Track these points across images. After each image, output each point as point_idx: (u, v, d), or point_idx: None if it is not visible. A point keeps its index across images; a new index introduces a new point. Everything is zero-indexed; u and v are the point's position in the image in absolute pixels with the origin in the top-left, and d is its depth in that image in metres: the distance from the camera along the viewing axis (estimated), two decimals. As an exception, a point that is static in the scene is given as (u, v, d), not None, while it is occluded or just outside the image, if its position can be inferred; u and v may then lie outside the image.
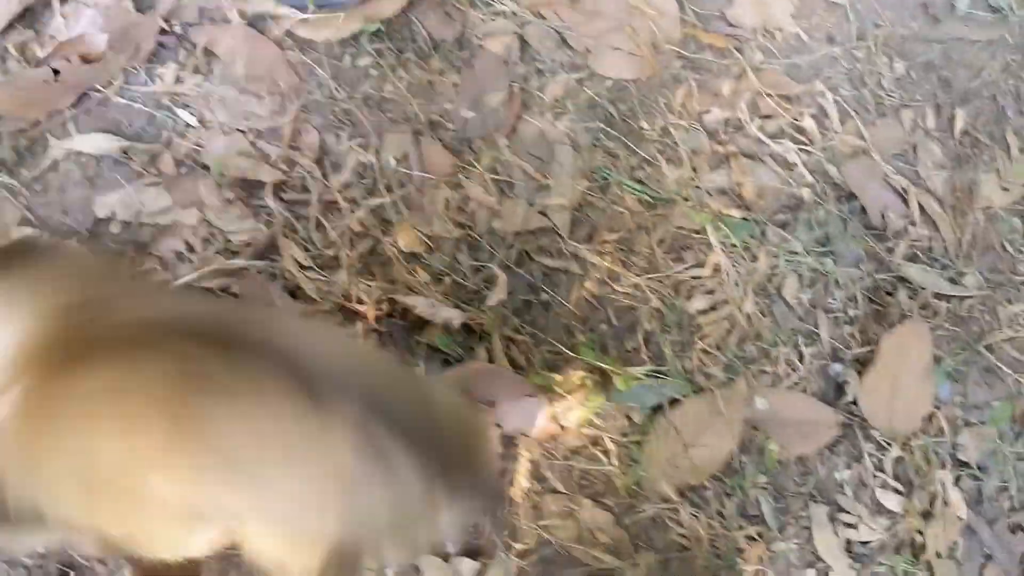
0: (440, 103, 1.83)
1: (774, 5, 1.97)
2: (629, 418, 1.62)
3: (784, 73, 1.92)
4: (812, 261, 1.76)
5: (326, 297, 1.61)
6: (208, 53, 1.80)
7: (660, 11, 1.93)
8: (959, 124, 1.91)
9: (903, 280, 1.78)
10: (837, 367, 1.71)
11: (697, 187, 1.80)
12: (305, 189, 1.71)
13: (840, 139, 1.87)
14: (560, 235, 1.74)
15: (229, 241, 1.65)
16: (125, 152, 1.70)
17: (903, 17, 2.00)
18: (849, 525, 1.63)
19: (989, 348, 1.75)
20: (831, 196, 1.83)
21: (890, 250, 1.80)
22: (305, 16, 1.81)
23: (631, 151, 1.82)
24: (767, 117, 1.87)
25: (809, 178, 1.83)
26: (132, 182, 1.68)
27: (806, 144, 1.86)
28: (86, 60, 1.74)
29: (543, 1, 1.91)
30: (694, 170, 1.82)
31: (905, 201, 1.84)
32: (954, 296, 1.78)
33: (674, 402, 1.64)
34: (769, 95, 1.88)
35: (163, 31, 1.80)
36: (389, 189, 1.73)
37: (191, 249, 1.64)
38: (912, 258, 1.80)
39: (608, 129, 1.83)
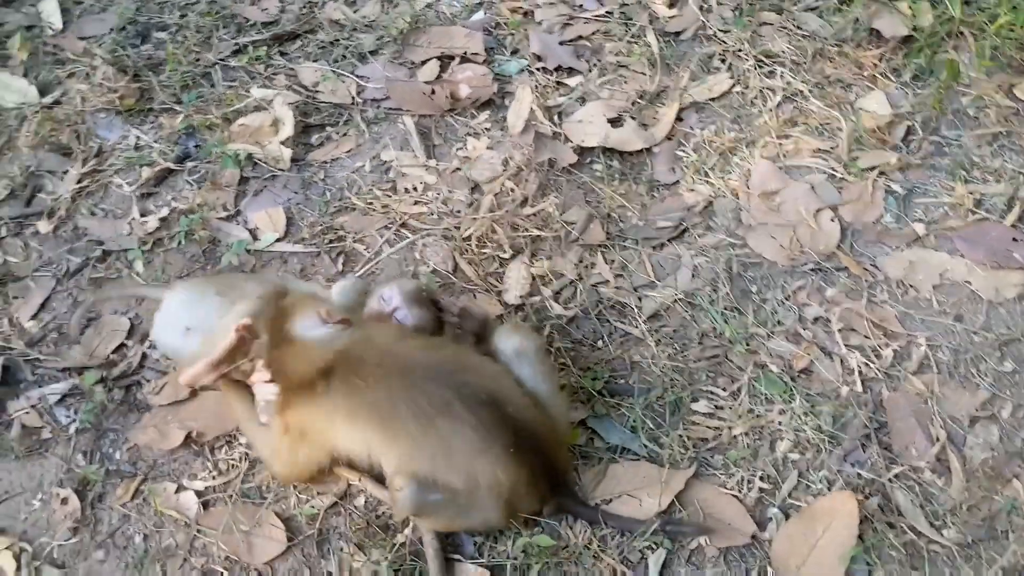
0: (624, 209, 2.45)
1: (921, 272, 2.29)
2: (591, 439, 2.02)
3: (895, 316, 2.22)
4: (814, 435, 2.02)
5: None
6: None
7: (825, 231, 2.37)
8: (1032, 431, 2.04)
9: (886, 496, 1.94)
10: (775, 510, 1.92)
11: (763, 344, 2.17)
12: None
13: (908, 379, 2.11)
14: (637, 313, 2.23)
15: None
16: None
17: (1038, 338, 2.19)
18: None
19: (929, 586, 1.83)
20: (868, 407, 2.07)
21: (890, 469, 1.98)
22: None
23: (730, 297, 2.26)
24: (854, 331, 2.19)
25: (858, 386, 2.10)
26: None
27: (873, 363, 2.13)
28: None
29: (742, 189, 2.47)
30: (769, 334, 2.19)
31: (932, 446, 2.00)
32: (924, 535, 1.89)
33: (630, 453, 2.00)
34: (868, 320, 2.20)
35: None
36: (555, 232, 2.38)
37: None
38: (908, 487, 1.96)
39: (727, 279, 2.29)
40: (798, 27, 2.87)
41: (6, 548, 1.90)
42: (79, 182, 2.52)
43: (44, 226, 2.43)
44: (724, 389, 2.11)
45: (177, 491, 1.99)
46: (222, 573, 1.88)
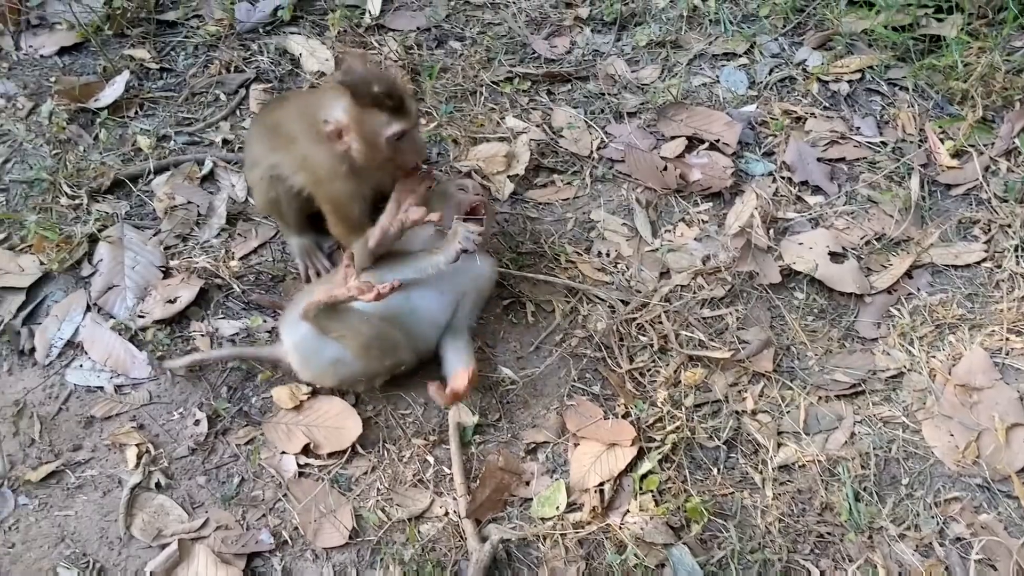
0: (805, 348, 2.32)
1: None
2: (663, 565, 1.95)
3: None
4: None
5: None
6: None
7: (1012, 450, 2.11)
8: None
9: None
10: None
11: (886, 542, 1.98)
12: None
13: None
14: (770, 459, 2.11)
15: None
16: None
17: None
18: None
19: None
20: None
21: None
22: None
23: (875, 480, 2.08)
24: (993, 569, 1.95)
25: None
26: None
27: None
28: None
29: (943, 372, 2.25)
30: (899, 535, 1.99)
31: None
32: None
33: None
34: (1018, 563, 1.94)
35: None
36: (724, 344, 2.31)
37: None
38: None
39: (882, 460, 2.12)
40: (1087, 222, 2.56)
41: (136, 444, 2.17)
42: (330, 153, 2.78)
43: (287, 182, 2.72)
44: (822, 573, 1.95)
45: (283, 452, 2.16)
46: (287, 540, 2.03)
